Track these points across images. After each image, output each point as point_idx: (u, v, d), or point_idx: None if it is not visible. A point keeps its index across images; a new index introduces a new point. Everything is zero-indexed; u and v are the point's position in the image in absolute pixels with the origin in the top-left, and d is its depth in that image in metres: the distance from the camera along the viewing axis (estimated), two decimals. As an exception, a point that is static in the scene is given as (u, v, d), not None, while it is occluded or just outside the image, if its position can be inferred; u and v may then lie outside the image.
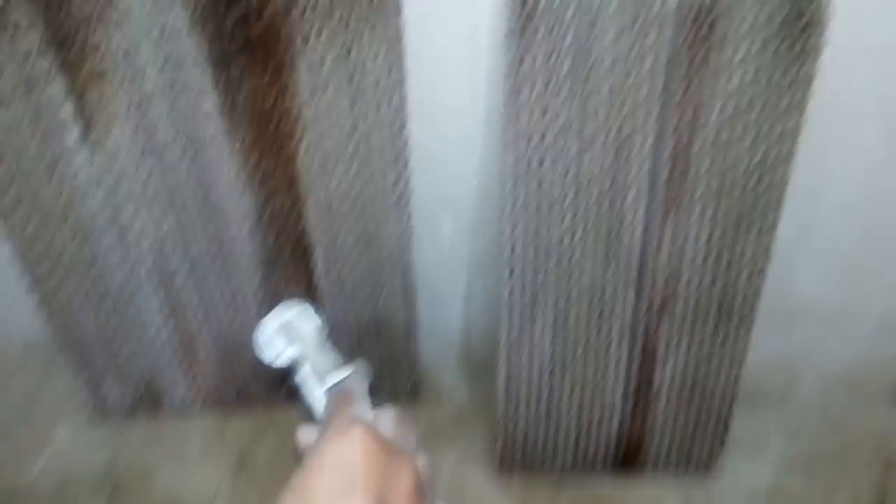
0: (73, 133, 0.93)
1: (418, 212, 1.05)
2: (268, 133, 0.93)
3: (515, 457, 1.12)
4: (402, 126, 0.92)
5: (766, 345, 1.23)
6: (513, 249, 0.92)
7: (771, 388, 1.26)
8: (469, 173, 0.99)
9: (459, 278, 1.18)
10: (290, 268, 1.08)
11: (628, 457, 1.10)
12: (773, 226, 0.86)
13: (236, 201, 1.00)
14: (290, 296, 1.13)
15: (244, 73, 0.88)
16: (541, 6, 0.75)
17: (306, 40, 0.84)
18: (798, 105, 0.78)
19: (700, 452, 1.08)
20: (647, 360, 1.00)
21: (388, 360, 1.21)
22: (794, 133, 0.80)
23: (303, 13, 0.84)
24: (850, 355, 1.21)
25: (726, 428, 1.05)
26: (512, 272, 0.93)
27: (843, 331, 1.17)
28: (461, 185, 1.02)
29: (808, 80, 0.76)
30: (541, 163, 0.85)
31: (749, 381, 1.27)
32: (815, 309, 1.14)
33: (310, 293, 1.11)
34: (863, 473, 1.14)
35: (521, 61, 0.78)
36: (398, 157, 0.94)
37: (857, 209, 1.01)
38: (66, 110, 0.91)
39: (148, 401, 1.25)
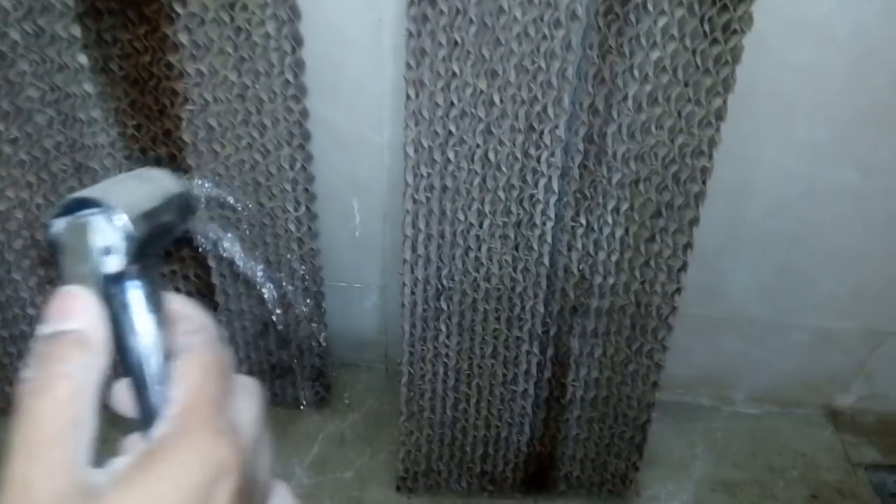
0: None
1: (324, 195, 0.95)
2: (147, 94, 0.83)
3: (418, 474, 1.03)
4: (300, 92, 0.82)
5: (695, 356, 1.15)
6: (414, 238, 0.83)
7: (699, 403, 1.19)
8: (378, 154, 0.90)
9: (374, 270, 1.08)
10: (182, 249, 0.98)
11: (539, 476, 1.01)
12: (694, 221, 0.79)
13: (114, 173, 0.90)
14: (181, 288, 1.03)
15: (118, 25, 0.78)
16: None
17: (186, -13, 0.74)
18: (723, 85, 0.71)
19: (615, 470, 1.00)
20: (559, 365, 0.91)
21: (289, 360, 1.11)
22: (718, 117, 0.72)
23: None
24: (784, 370, 1.13)
25: (643, 441, 0.97)
26: (414, 264, 0.85)
27: (776, 343, 1.10)
28: (370, 168, 0.92)
29: (734, 57, 0.69)
30: (445, 141, 0.77)
31: (675, 395, 1.20)
32: (745, 319, 1.06)
33: (202, 275, 1.00)
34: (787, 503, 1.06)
35: (425, 20, 0.70)
36: (296, 127, 0.85)
37: (790, 210, 0.93)
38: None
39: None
